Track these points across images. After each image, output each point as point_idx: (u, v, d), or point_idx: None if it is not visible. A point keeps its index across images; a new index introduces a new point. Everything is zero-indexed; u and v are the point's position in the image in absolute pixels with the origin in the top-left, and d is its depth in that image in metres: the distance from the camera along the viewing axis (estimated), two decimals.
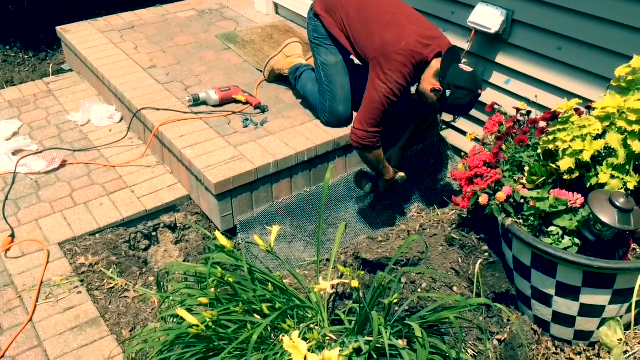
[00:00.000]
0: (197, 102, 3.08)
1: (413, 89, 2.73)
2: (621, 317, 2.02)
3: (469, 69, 2.48)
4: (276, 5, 4.18)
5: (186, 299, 1.81)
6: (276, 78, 3.32)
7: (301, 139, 2.85)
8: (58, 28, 3.91)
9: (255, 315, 1.76)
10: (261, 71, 3.38)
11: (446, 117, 3.19)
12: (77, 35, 3.81)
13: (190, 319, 1.64)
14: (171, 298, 1.88)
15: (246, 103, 3.09)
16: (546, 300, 2.07)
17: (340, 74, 2.86)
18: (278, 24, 4.03)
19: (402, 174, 2.89)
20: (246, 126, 2.94)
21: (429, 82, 2.55)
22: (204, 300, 1.76)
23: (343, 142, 2.90)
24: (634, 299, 1.92)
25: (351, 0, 2.76)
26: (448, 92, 2.46)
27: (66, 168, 2.98)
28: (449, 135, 3.20)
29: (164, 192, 2.84)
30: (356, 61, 2.99)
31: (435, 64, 2.53)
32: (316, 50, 2.91)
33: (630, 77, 1.98)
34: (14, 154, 3.04)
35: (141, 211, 2.72)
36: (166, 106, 3.07)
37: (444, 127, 3.23)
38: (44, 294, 2.31)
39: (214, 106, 3.08)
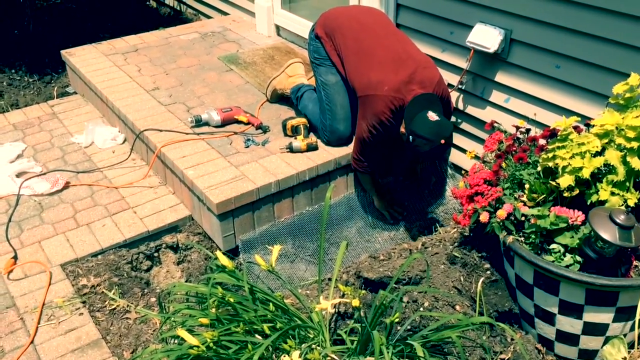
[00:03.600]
0: (199, 123, 3.10)
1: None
2: (625, 335, 2.00)
3: (434, 117, 2.47)
4: (278, 28, 4.23)
5: (187, 320, 1.81)
6: (278, 98, 3.35)
7: (302, 158, 2.86)
8: (63, 52, 3.96)
9: (257, 336, 1.75)
10: (263, 92, 3.42)
11: None
12: (81, 58, 3.86)
13: (191, 339, 1.63)
14: (172, 319, 1.87)
15: (248, 123, 3.12)
16: (549, 318, 2.06)
17: (340, 94, 2.89)
18: (279, 45, 4.08)
19: (313, 139, 2.95)
20: (248, 146, 2.96)
21: (403, 124, 2.62)
22: (205, 320, 1.75)
23: (344, 161, 2.91)
24: (637, 316, 1.91)
25: (351, 30, 2.81)
26: (410, 138, 2.52)
27: (69, 189, 3.00)
28: (450, 153, 3.21)
29: (166, 213, 2.85)
30: None
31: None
32: (317, 70, 2.95)
33: (628, 95, 1.99)
34: (17, 176, 3.06)
35: (143, 232, 2.73)
36: (169, 127, 3.09)
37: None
38: (45, 315, 2.31)
39: (216, 127, 3.11)
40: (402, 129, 2.61)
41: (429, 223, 3.12)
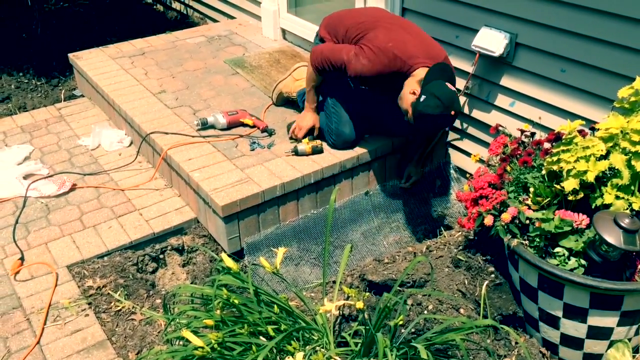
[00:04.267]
0: (205, 126, 3.12)
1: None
2: (630, 339, 2.00)
3: (452, 87, 2.51)
4: (283, 31, 4.25)
5: (192, 321, 1.82)
6: (284, 101, 3.36)
7: (307, 161, 2.87)
8: (70, 55, 4.00)
9: (261, 337, 1.76)
10: (269, 96, 3.43)
11: (452, 136, 3.21)
12: (88, 61, 3.89)
13: (196, 341, 1.64)
14: (177, 320, 1.88)
15: (253, 126, 3.13)
16: (554, 322, 2.06)
17: (345, 97, 2.90)
18: (285, 49, 4.10)
19: (318, 142, 2.93)
20: (253, 149, 2.97)
21: (411, 86, 2.58)
22: (210, 322, 1.76)
23: (349, 164, 2.92)
24: None
25: (352, 18, 2.83)
26: (422, 97, 2.48)
27: (76, 192, 3.02)
28: (454, 157, 3.22)
29: (172, 215, 2.86)
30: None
31: (421, 72, 2.58)
32: None
33: (633, 99, 1.99)
34: (25, 178, 3.08)
35: (149, 234, 2.75)
36: (175, 130, 3.11)
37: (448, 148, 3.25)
38: (51, 316, 2.33)
39: (222, 130, 3.12)
40: (409, 89, 2.57)
41: (434, 226, 3.12)
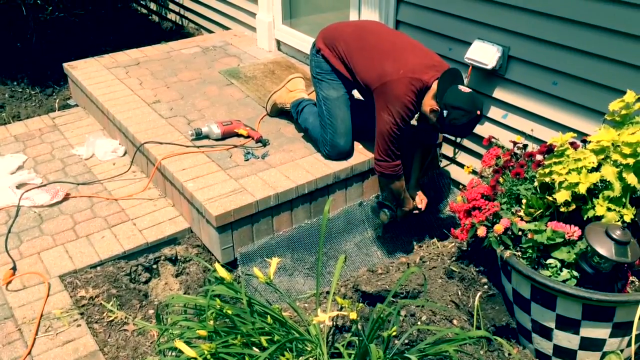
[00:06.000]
0: (199, 136, 3.12)
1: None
2: (622, 350, 2.01)
3: (466, 90, 2.52)
4: (278, 42, 4.27)
5: (185, 332, 1.81)
6: (278, 112, 3.37)
7: (302, 172, 2.88)
8: (65, 64, 4.00)
9: (254, 348, 1.76)
10: (263, 106, 3.44)
11: (446, 149, 3.22)
12: (83, 71, 3.89)
13: (189, 351, 1.64)
14: (170, 331, 1.88)
15: (248, 137, 3.14)
16: (547, 333, 2.06)
17: (341, 108, 2.92)
18: (280, 60, 4.12)
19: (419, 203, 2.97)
20: (247, 159, 2.97)
21: (428, 103, 2.62)
22: (203, 332, 1.76)
23: (343, 175, 2.93)
24: (634, 332, 1.91)
25: (351, 33, 2.86)
26: (445, 112, 2.51)
27: (69, 201, 3.01)
28: (448, 168, 3.23)
29: (166, 225, 2.86)
30: (357, 95, 3.05)
31: (435, 86, 2.61)
32: (318, 85, 2.97)
33: (624, 112, 2.02)
34: (18, 187, 3.07)
35: (142, 244, 2.74)
36: (169, 140, 3.11)
37: (441, 160, 3.26)
38: (43, 327, 2.31)
39: (216, 140, 3.13)
40: (428, 107, 2.60)
41: (428, 237, 3.13)
